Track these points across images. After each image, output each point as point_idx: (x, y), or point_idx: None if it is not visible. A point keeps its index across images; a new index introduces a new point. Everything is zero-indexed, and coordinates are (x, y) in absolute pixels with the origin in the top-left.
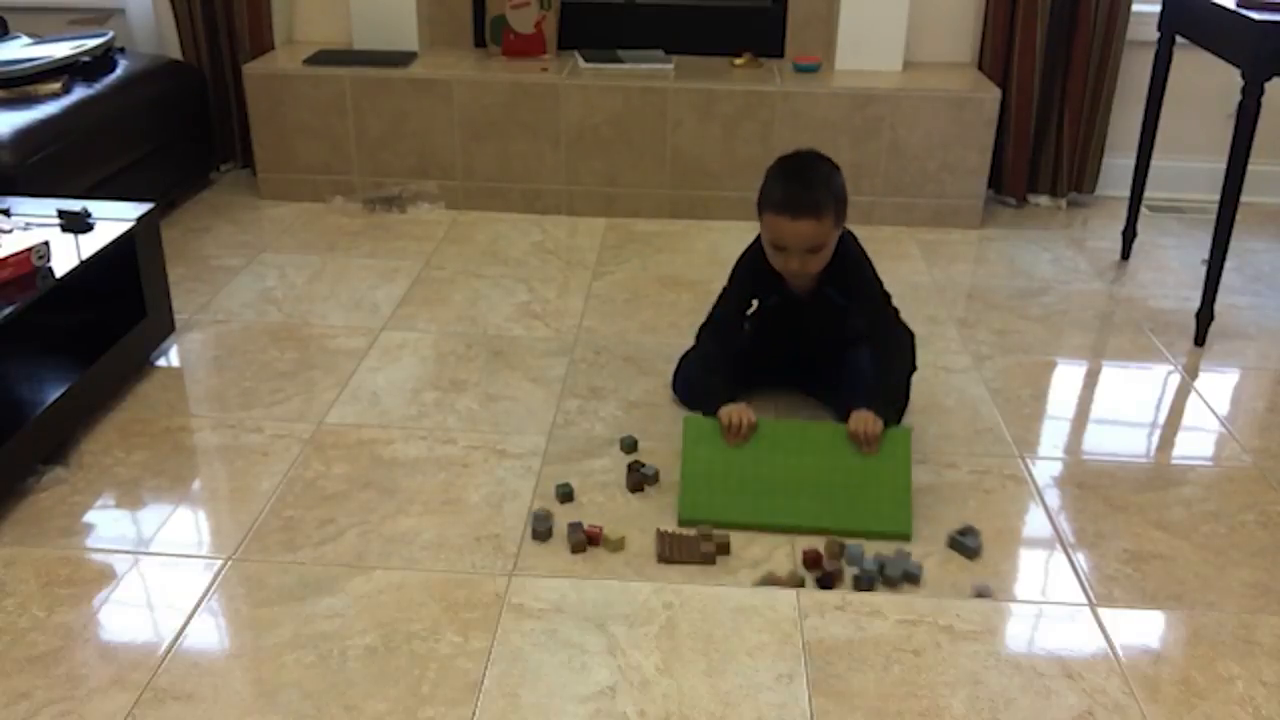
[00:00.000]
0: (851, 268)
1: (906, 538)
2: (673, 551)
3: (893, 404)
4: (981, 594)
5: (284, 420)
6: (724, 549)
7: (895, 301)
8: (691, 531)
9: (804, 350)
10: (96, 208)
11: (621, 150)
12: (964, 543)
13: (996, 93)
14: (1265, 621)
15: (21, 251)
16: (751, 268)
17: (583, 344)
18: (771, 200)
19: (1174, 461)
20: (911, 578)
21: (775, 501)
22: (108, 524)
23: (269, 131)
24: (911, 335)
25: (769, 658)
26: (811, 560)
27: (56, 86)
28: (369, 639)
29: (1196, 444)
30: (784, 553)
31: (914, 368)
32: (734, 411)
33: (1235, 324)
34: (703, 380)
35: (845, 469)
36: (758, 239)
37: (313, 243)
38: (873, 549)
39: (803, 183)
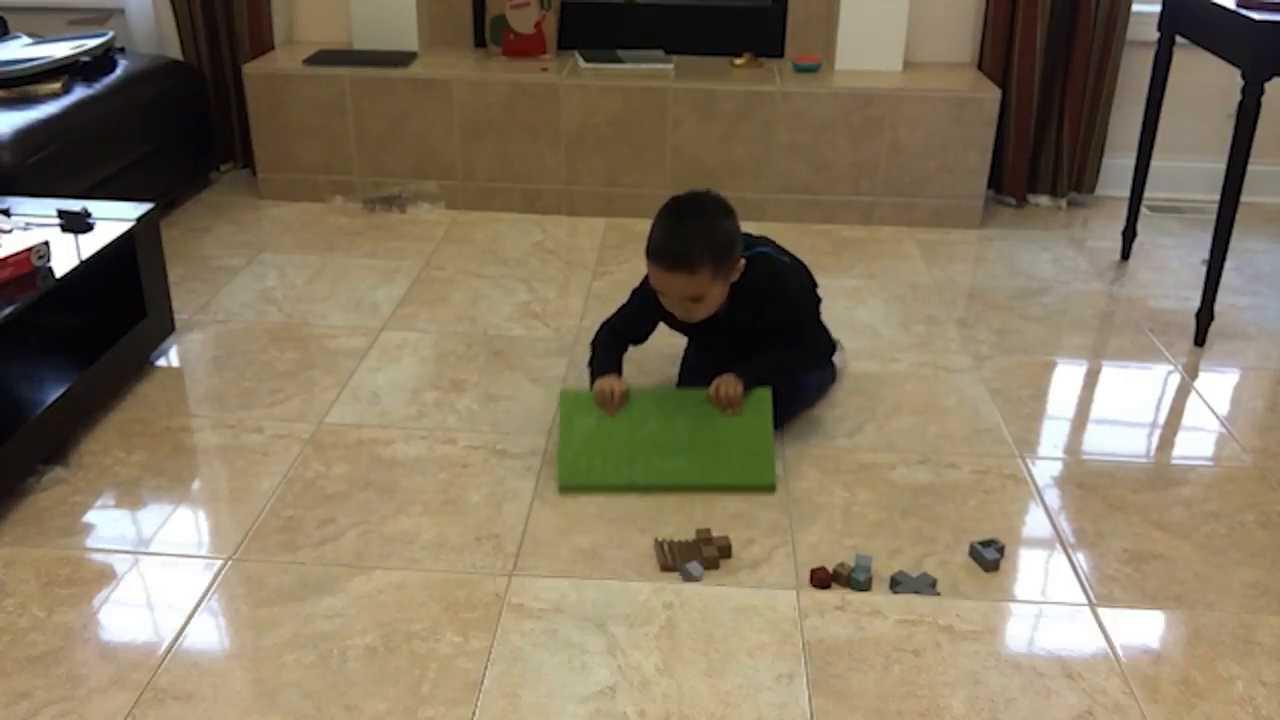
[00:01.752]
0: (768, 295)
1: (770, 489)
2: (673, 559)
3: (761, 376)
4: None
5: (284, 420)
6: (725, 553)
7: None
8: (690, 537)
9: (728, 357)
10: (96, 208)
11: (621, 150)
12: (982, 553)
13: (996, 93)
14: (1265, 621)
15: (21, 251)
16: (649, 298)
17: (583, 344)
18: (649, 246)
19: (1174, 461)
20: (929, 592)
21: (648, 463)
22: (108, 524)
23: (269, 131)
24: (831, 346)
25: (769, 658)
26: (820, 580)
27: (56, 86)
28: (369, 639)
29: (1196, 444)
30: (784, 553)
31: (821, 367)
32: (605, 383)
33: (1235, 324)
34: (592, 363)
35: (711, 429)
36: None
37: (313, 243)
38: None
39: (680, 232)
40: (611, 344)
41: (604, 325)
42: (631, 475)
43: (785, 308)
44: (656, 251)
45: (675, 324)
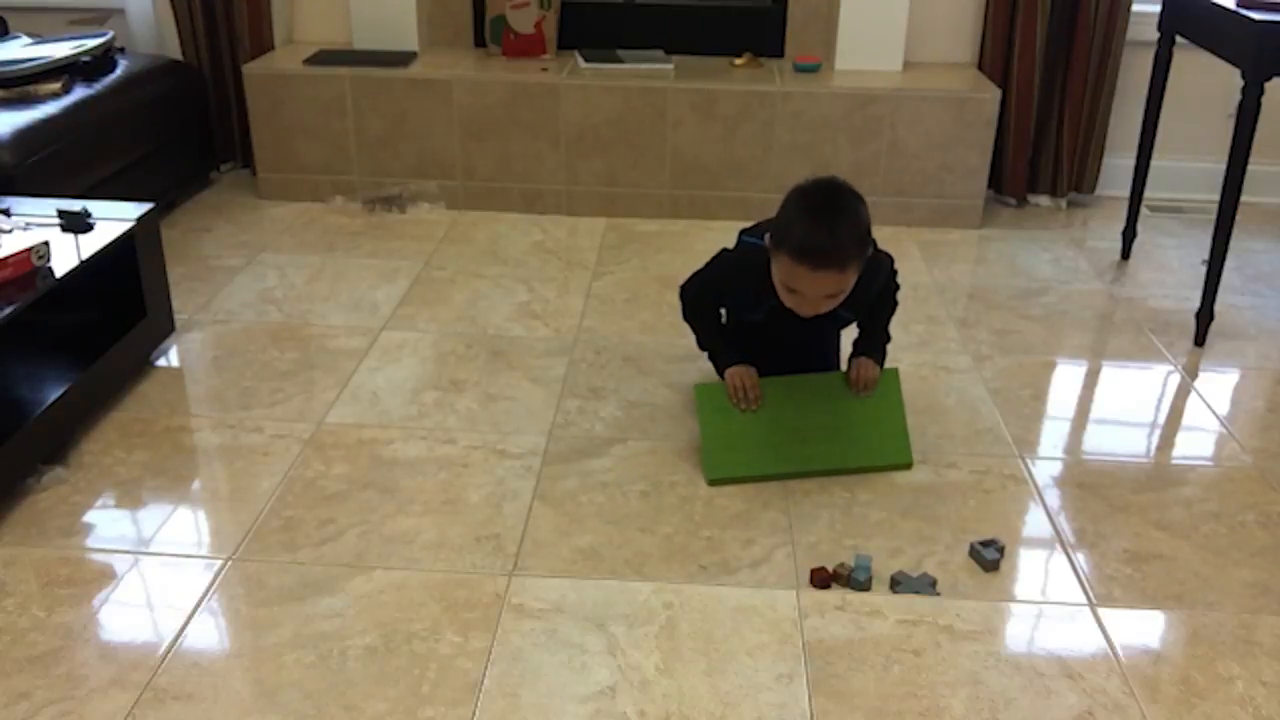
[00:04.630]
0: (866, 288)
1: (908, 466)
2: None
3: (884, 353)
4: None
5: (284, 420)
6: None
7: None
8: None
9: (786, 347)
10: (96, 208)
11: (621, 150)
12: (982, 554)
13: (996, 93)
14: (1265, 621)
15: (21, 251)
16: (742, 283)
17: (583, 344)
18: (791, 244)
19: (1174, 461)
20: (929, 592)
21: (789, 451)
22: (108, 524)
23: (269, 131)
24: (893, 262)
25: (769, 658)
26: (820, 580)
27: (56, 86)
28: (369, 639)
29: (1196, 444)
30: (784, 553)
31: (897, 287)
32: (737, 374)
33: (1235, 324)
34: (704, 343)
35: (847, 412)
36: (750, 251)
37: (313, 243)
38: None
39: (829, 228)
40: (719, 325)
41: (692, 295)
42: (776, 464)
43: (874, 295)
44: (805, 251)
45: (744, 313)
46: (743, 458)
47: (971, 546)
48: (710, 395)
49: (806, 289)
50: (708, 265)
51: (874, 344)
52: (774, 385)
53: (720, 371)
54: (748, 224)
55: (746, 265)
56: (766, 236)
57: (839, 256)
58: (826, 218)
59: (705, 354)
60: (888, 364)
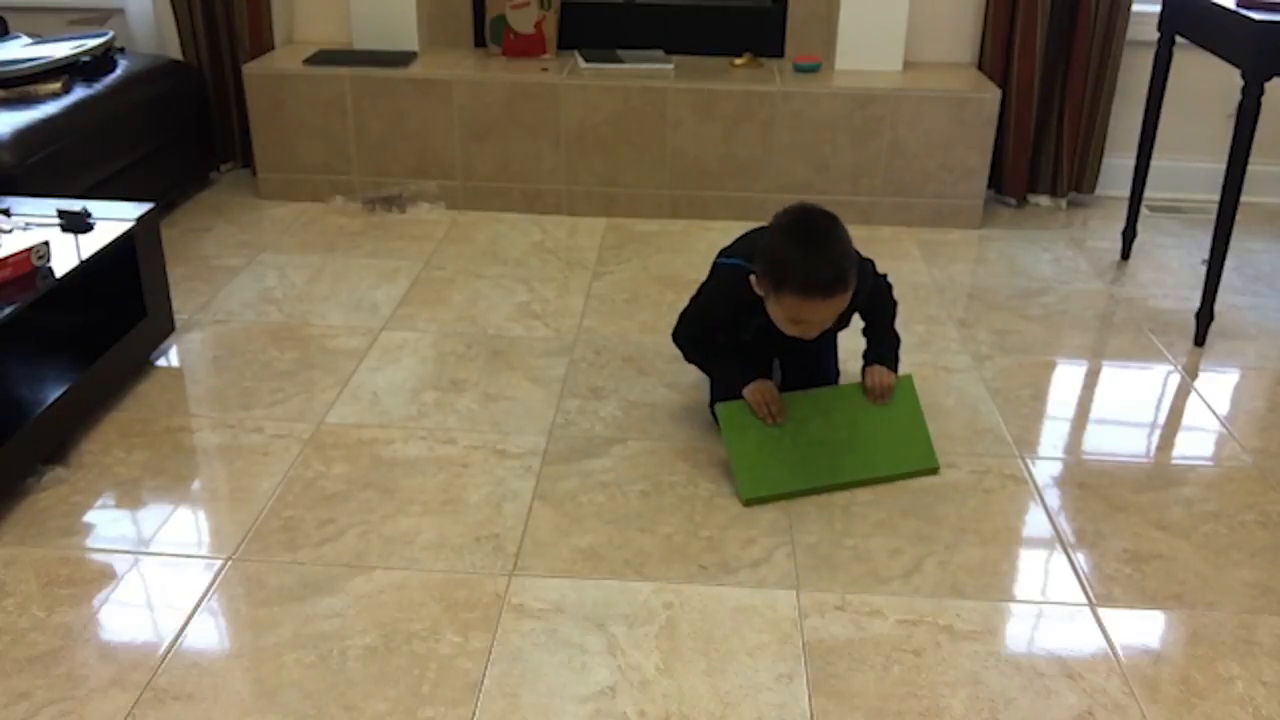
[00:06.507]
0: (861, 298)
1: (935, 471)
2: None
3: (896, 359)
4: None
5: (284, 420)
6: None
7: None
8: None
9: (780, 357)
10: (96, 208)
11: (621, 150)
12: None
13: (996, 93)
14: (1265, 621)
15: (21, 251)
16: (730, 309)
17: (583, 344)
18: (794, 283)
19: (1174, 461)
20: None
21: (819, 465)
22: (108, 524)
23: (269, 131)
24: (888, 282)
25: (769, 658)
26: None
27: (56, 86)
28: (369, 639)
29: (1196, 444)
30: (784, 553)
31: (889, 286)
32: (758, 390)
33: (1235, 324)
34: (714, 372)
35: (868, 422)
36: (730, 276)
37: (313, 243)
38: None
39: (825, 257)
40: (726, 350)
41: (685, 335)
42: (807, 479)
43: (877, 306)
44: (811, 284)
45: (742, 331)
46: (775, 475)
47: None
48: (733, 414)
49: (813, 316)
50: (690, 304)
51: (884, 350)
52: (795, 400)
53: (738, 392)
54: (745, 225)
55: (729, 291)
56: (754, 269)
57: (843, 280)
58: (819, 247)
59: (719, 383)
60: (901, 369)
